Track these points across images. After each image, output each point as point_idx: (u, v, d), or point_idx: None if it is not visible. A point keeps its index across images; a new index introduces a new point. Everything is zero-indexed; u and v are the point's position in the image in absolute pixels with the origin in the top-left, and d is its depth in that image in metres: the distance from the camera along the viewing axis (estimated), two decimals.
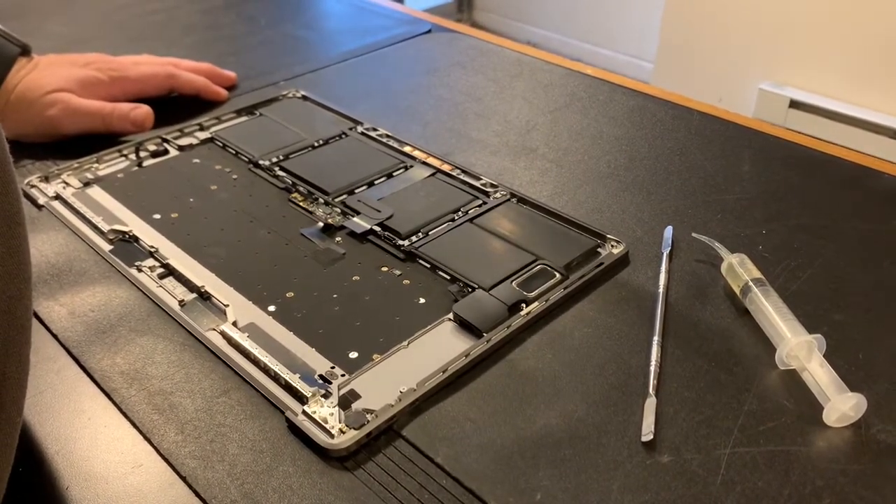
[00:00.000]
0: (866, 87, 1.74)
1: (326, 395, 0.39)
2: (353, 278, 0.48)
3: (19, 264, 0.31)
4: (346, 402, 0.39)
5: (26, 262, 0.31)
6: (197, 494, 0.35)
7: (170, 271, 0.48)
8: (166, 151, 0.62)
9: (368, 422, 0.38)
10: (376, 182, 0.57)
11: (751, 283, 0.44)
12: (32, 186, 0.57)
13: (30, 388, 0.40)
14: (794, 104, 1.84)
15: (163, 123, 0.65)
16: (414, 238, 0.51)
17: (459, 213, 0.53)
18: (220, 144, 0.62)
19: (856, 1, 1.67)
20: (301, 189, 0.56)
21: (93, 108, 0.62)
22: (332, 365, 0.41)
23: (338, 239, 0.51)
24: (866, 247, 0.50)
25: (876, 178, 0.58)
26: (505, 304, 0.45)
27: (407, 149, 0.61)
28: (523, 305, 0.45)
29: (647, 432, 0.37)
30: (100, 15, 0.89)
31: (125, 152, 0.61)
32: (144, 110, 0.64)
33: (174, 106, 0.68)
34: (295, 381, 0.40)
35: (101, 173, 0.59)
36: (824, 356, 0.40)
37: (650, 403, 0.38)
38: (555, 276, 0.47)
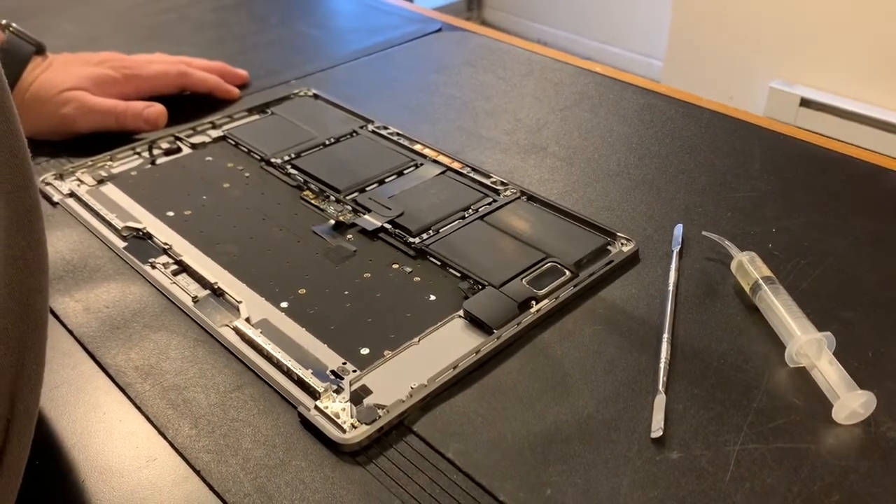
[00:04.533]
0: (878, 85, 1.74)
1: (338, 391, 0.40)
2: (365, 275, 0.48)
3: (39, 257, 0.31)
4: (357, 397, 0.39)
5: (45, 255, 0.32)
6: (211, 488, 0.35)
7: (183, 268, 0.49)
8: (179, 149, 0.62)
9: (380, 417, 0.38)
10: (387, 180, 0.57)
11: (761, 282, 0.45)
12: (47, 184, 0.57)
13: (46, 383, 0.41)
14: (805, 102, 1.83)
15: (176, 122, 0.65)
16: (424, 235, 0.51)
17: (470, 210, 0.53)
18: (233, 142, 0.63)
19: None
20: (312, 187, 0.56)
21: (106, 107, 0.63)
22: (343, 361, 0.42)
23: (349, 236, 0.52)
24: (876, 245, 0.50)
25: (886, 177, 0.57)
26: (515, 301, 0.45)
27: (417, 147, 0.61)
28: (533, 303, 0.45)
29: (657, 429, 0.37)
30: (112, 14, 0.90)
31: (138, 150, 0.62)
32: (157, 108, 0.64)
33: (187, 104, 0.68)
34: (307, 376, 0.40)
35: (114, 171, 0.59)
36: (834, 354, 0.40)
37: (660, 400, 0.39)
38: (565, 273, 0.47)
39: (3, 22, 0.63)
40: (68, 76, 0.63)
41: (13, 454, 0.30)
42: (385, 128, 0.64)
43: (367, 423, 0.38)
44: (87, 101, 0.62)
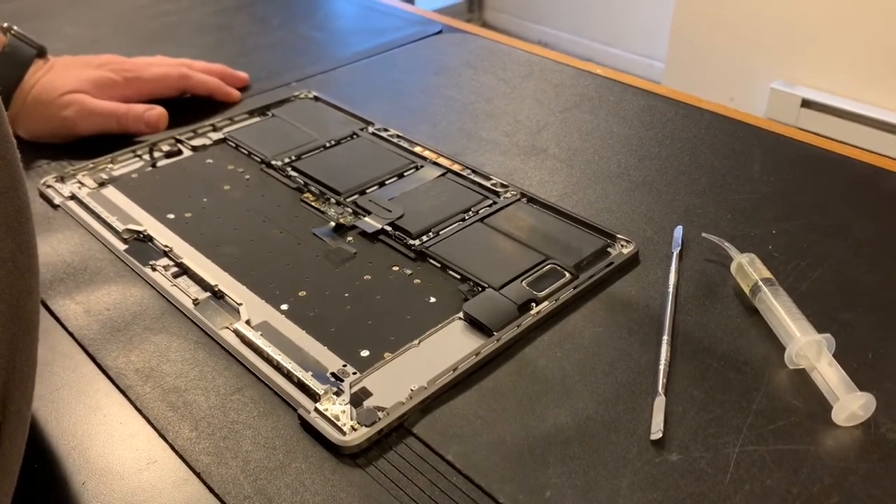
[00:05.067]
0: (879, 85, 1.73)
1: (338, 393, 0.40)
2: (365, 277, 0.48)
3: (29, 259, 0.31)
4: (357, 399, 0.39)
5: (35, 256, 0.32)
6: (211, 490, 0.36)
7: (184, 270, 0.49)
8: (180, 152, 0.62)
9: (380, 419, 0.38)
10: (387, 182, 0.57)
11: (760, 283, 0.45)
12: (48, 186, 0.57)
13: (46, 386, 0.41)
14: (806, 103, 1.83)
15: (176, 124, 0.65)
16: (424, 238, 0.51)
17: (470, 212, 0.54)
18: (233, 145, 0.63)
19: None
20: (313, 189, 0.57)
21: (107, 109, 0.63)
22: (343, 363, 0.42)
23: (349, 238, 0.52)
24: (876, 247, 0.50)
25: (887, 178, 0.57)
26: (515, 303, 0.45)
27: (417, 149, 0.61)
28: (533, 305, 0.45)
29: (657, 430, 0.37)
30: (113, 16, 0.90)
31: (139, 153, 0.62)
32: (158, 111, 0.64)
33: (187, 107, 0.68)
34: (307, 378, 0.40)
35: (115, 173, 0.59)
36: (833, 355, 0.40)
37: (659, 402, 0.39)
38: (565, 275, 0.47)
39: (5, 25, 0.63)
40: (69, 79, 0.63)
41: (6, 457, 0.30)
42: (385, 130, 0.64)
43: (366, 426, 0.38)
44: (88, 104, 0.62)
